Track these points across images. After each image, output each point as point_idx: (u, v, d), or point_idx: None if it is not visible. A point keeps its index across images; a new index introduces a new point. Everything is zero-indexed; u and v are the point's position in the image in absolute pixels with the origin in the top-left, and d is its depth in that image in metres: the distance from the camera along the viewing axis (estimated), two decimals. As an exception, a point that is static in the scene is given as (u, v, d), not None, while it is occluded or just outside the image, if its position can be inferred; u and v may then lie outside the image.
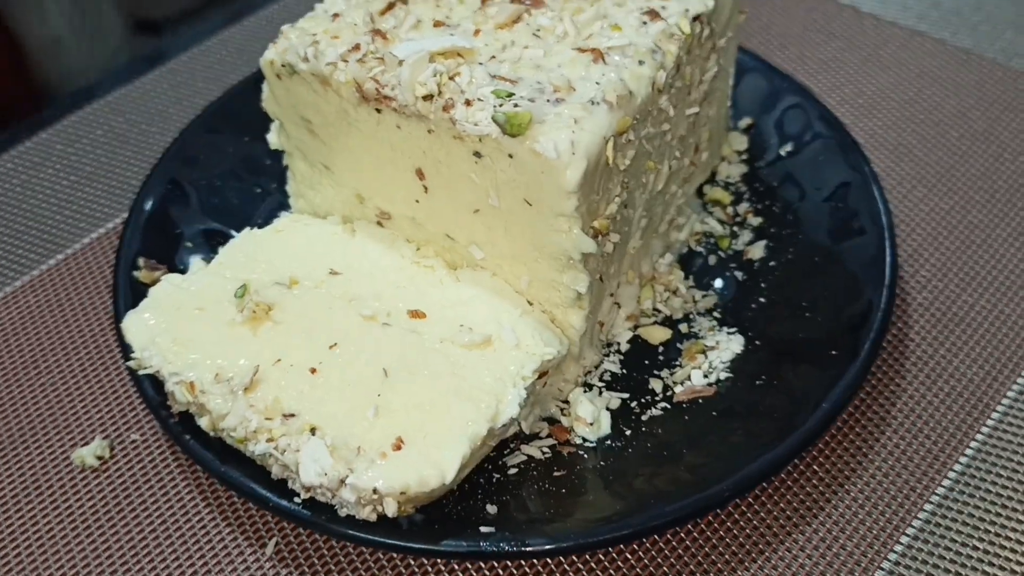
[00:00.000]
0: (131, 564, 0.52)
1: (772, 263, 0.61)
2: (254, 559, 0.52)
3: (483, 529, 0.49)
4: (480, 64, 0.51)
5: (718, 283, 0.61)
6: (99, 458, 0.56)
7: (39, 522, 0.54)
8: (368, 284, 0.55)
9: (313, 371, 0.50)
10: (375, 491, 0.46)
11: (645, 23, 0.53)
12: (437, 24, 0.54)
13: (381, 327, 0.53)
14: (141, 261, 0.60)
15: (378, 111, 0.52)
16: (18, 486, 0.56)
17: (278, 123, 0.59)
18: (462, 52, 0.52)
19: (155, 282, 0.57)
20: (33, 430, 0.58)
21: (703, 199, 0.66)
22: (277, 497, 0.49)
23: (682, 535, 0.52)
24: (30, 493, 0.55)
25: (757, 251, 0.62)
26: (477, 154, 0.50)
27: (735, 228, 0.64)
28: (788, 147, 0.66)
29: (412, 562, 0.52)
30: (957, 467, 0.54)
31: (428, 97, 0.50)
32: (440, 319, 0.53)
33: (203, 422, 0.50)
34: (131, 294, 0.58)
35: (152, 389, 0.53)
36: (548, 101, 0.49)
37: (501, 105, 0.48)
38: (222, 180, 0.66)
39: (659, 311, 0.60)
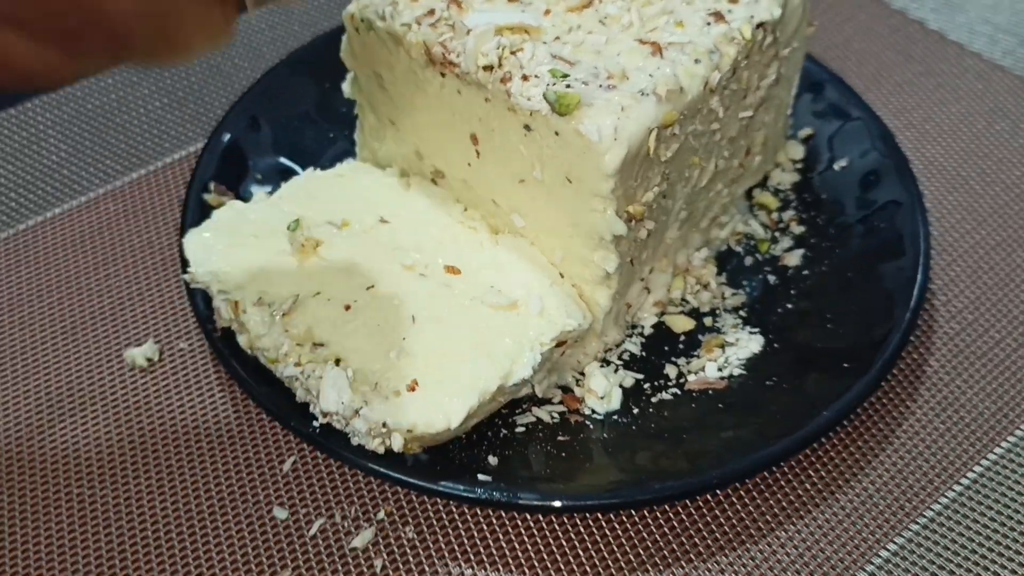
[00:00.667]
0: (162, 458, 0.57)
1: (806, 272, 0.63)
2: (271, 473, 0.56)
3: (481, 477, 0.52)
4: (544, 43, 0.54)
5: (749, 283, 0.63)
6: (148, 360, 0.61)
7: (87, 411, 0.59)
8: (413, 236, 0.58)
9: (347, 308, 0.54)
10: (384, 425, 0.50)
11: (709, 24, 0.55)
12: (511, 0, 0.57)
13: (417, 277, 0.56)
14: (212, 185, 0.64)
15: (442, 75, 0.55)
16: (72, 375, 0.61)
17: (353, 74, 0.62)
18: (529, 29, 0.55)
19: (221, 206, 0.62)
20: (95, 325, 0.63)
21: (751, 202, 0.68)
22: (298, 419, 0.53)
23: (670, 514, 0.55)
24: (83, 383, 0.60)
25: (793, 258, 0.64)
26: (527, 127, 0.53)
27: (776, 234, 0.66)
28: (843, 162, 0.67)
29: (415, 499, 0.55)
30: (951, 493, 0.56)
31: (488, 68, 0.53)
32: (473, 278, 0.56)
33: (241, 340, 0.54)
34: (198, 214, 0.62)
35: (202, 303, 0.58)
36: (601, 86, 0.52)
37: (554, 84, 0.51)
38: (298, 121, 0.70)
39: (687, 302, 0.63)
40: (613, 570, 0.53)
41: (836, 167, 0.68)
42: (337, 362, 0.52)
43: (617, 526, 0.54)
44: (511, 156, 0.55)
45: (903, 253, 0.61)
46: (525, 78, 0.52)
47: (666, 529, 0.54)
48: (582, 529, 0.54)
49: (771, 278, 0.63)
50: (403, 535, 0.54)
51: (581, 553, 0.54)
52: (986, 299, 0.64)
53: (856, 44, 0.82)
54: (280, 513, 0.55)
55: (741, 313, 0.62)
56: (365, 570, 0.53)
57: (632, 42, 0.54)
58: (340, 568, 0.53)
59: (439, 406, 0.51)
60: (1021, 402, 0.59)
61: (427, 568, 0.53)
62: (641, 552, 0.54)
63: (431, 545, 0.54)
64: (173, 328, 0.63)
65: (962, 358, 0.61)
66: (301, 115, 0.70)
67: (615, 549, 0.54)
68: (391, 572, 0.53)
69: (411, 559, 0.53)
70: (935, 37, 0.82)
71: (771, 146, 0.67)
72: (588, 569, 0.53)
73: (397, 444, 0.50)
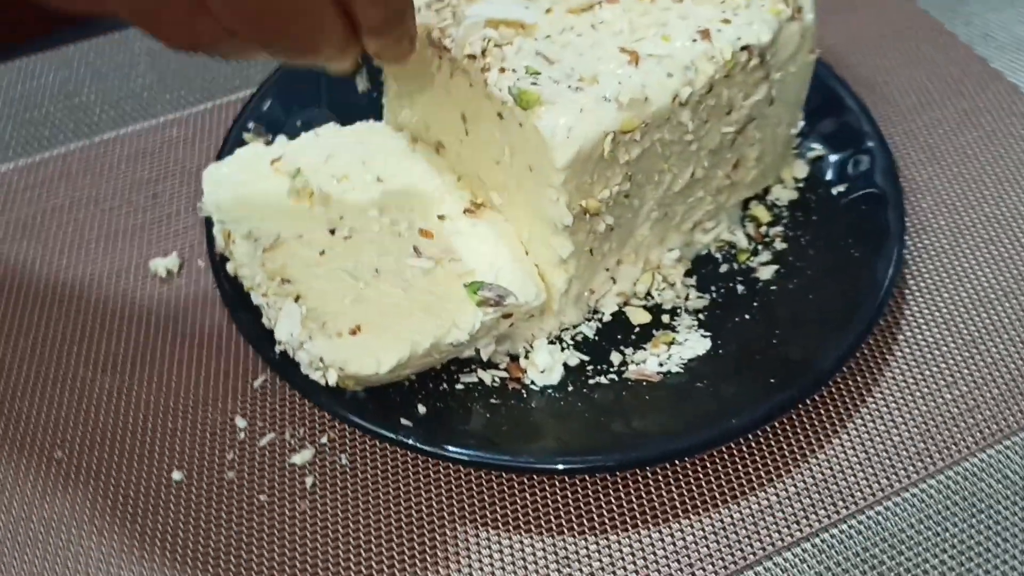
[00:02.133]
0: (158, 355, 0.65)
1: (774, 287, 0.65)
2: (243, 386, 0.64)
3: (403, 421, 0.58)
4: (535, 40, 0.58)
5: (718, 290, 0.66)
6: (168, 271, 0.70)
7: (108, 302, 0.68)
8: (401, 197, 0.64)
9: (322, 253, 0.60)
10: (321, 360, 0.56)
11: (695, 40, 0.58)
12: (519, -6, 0.61)
13: (394, 235, 0.62)
14: (252, 125, 0.72)
15: (439, 57, 0.60)
16: (105, 271, 0.70)
17: (381, 42, 0.68)
18: (524, 25, 0.59)
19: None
20: (135, 232, 0.72)
21: (745, 212, 0.70)
22: (264, 343, 0.60)
23: (559, 486, 0.59)
24: (111, 281, 0.69)
25: (766, 272, 0.66)
26: (500, 115, 0.58)
27: (760, 247, 0.68)
28: (841, 187, 0.69)
29: (349, 431, 0.61)
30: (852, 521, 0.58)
31: (472, 56, 0.57)
32: (443, 242, 0.62)
33: (229, 266, 0.62)
34: (235, 150, 0.70)
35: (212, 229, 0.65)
36: (570, 87, 0.56)
37: (521, 80, 0.56)
38: (350, 79, 0.76)
39: (651, 296, 0.66)
40: (500, 524, 0.58)
41: (834, 191, 0.69)
42: (297, 299, 0.58)
43: (516, 485, 0.59)
44: (489, 139, 0.60)
45: (873, 287, 0.62)
46: (503, 70, 0.56)
47: (554, 497, 0.59)
48: (484, 482, 0.60)
49: (740, 287, 0.66)
50: (337, 461, 0.61)
51: (478, 503, 0.59)
52: (959, 336, 0.65)
53: (904, 72, 0.82)
54: (240, 422, 0.63)
55: (700, 316, 0.65)
56: (298, 483, 0.60)
57: (614, 48, 0.58)
58: (276, 477, 0.60)
59: (373, 352, 0.56)
60: (951, 445, 0.61)
61: (350, 492, 0.60)
62: (525, 513, 0.58)
63: (359, 474, 0.60)
64: (195, 247, 0.71)
65: (915, 377, 0.63)
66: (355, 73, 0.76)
67: (508, 506, 0.59)
68: (319, 489, 0.60)
69: (339, 482, 0.60)
70: (993, 75, 0.81)
71: (770, 162, 0.69)
72: (479, 518, 0.58)
73: (332, 379, 0.56)
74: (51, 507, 0.59)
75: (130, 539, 0.58)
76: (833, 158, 0.71)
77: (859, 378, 0.63)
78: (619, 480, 0.60)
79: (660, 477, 0.60)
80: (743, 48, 0.58)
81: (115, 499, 0.60)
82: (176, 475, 0.60)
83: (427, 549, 0.58)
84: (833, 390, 0.63)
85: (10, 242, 0.72)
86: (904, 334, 0.65)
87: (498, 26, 0.59)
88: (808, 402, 0.62)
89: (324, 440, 0.62)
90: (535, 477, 0.60)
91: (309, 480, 0.60)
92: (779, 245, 0.68)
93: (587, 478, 0.60)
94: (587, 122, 0.55)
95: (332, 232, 0.61)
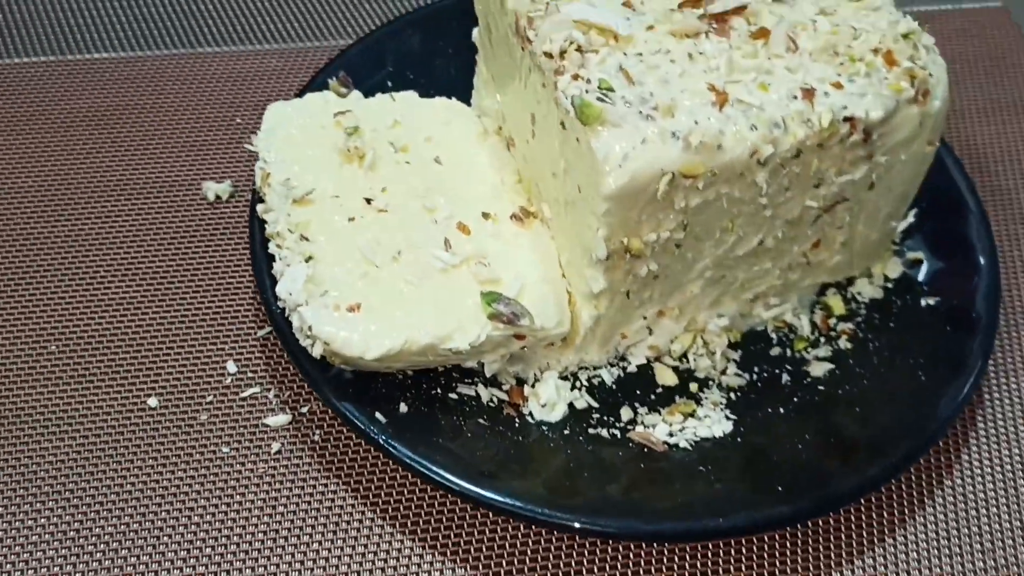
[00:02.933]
0: (175, 277, 0.64)
1: (821, 387, 0.59)
2: (248, 334, 0.62)
3: (377, 415, 0.54)
4: (625, 54, 0.54)
5: (760, 372, 0.60)
6: (217, 197, 0.68)
7: (146, 215, 0.67)
8: (452, 184, 0.60)
9: (351, 219, 0.58)
10: (310, 328, 0.53)
11: (795, 97, 0.52)
12: (626, 4, 0.56)
13: (430, 221, 0.58)
14: (340, 74, 0.69)
15: (522, 48, 0.56)
16: (157, 185, 0.69)
17: (483, 23, 0.64)
18: (618, 36, 0.54)
19: (339, 94, 0.67)
20: (192, 150, 0.71)
21: (818, 298, 0.64)
22: (269, 290, 0.58)
23: (500, 525, 0.56)
24: (159, 194, 0.68)
25: (819, 369, 0.60)
26: (563, 124, 0.53)
27: (822, 339, 0.61)
28: (931, 301, 0.61)
29: (340, 424, 0.57)
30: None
31: (549, 55, 0.53)
32: (478, 242, 0.58)
33: (260, 206, 0.60)
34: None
35: (261, 165, 0.64)
36: (641, 112, 0.51)
37: (592, 92, 0.51)
38: (454, 50, 0.73)
39: (686, 359, 0.61)
40: (442, 548, 0.55)
41: (923, 302, 0.62)
42: (308, 259, 0.55)
43: (474, 517, 0.56)
44: (550, 147, 0.56)
45: (923, 425, 0.55)
46: (576, 77, 0.52)
47: (488, 532, 0.55)
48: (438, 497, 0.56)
49: (785, 377, 0.60)
50: (310, 435, 0.58)
51: (432, 520, 0.55)
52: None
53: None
54: (231, 367, 0.60)
55: (731, 395, 0.59)
56: (264, 446, 0.58)
57: (703, 84, 0.52)
58: (246, 434, 0.58)
59: (364, 335, 0.53)
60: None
61: (310, 470, 0.57)
62: (466, 542, 0.55)
63: (325, 454, 0.57)
64: (248, 178, 0.69)
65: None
66: (459, 45, 0.73)
67: (464, 533, 0.55)
68: (281, 457, 0.57)
69: (303, 457, 0.57)
70: None
71: (860, 250, 0.62)
72: (425, 536, 0.55)
73: (318, 351, 0.53)
74: (30, 396, 0.59)
75: (90, 445, 0.57)
76: (933, 265, 0.63)
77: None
78: (576, 543, 0.55)
79: (620, 551, 0.55)
80: (846, 119, 0.52)
81: (90, 404, 0.59)
82: (152, 401, 0.59)
83: (356, 549, 0.55)
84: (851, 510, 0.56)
85: (84, 127, 0.72)
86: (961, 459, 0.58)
87: (589, 30, 0.54)
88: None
89: (304, 410, 0.59)
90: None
91: (275, 446, 0.57)
92: (843, 344, 0.61)
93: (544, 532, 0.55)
94: (646, 154, 0.50)
95: (368, 201, 0.58)
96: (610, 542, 0.55)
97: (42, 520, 0.55)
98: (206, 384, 0.60)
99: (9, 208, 0.67)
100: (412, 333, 0.54)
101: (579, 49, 0.53)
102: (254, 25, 0.80)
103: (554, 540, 0.55)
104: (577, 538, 0.55)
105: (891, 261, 0.64)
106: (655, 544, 0.55)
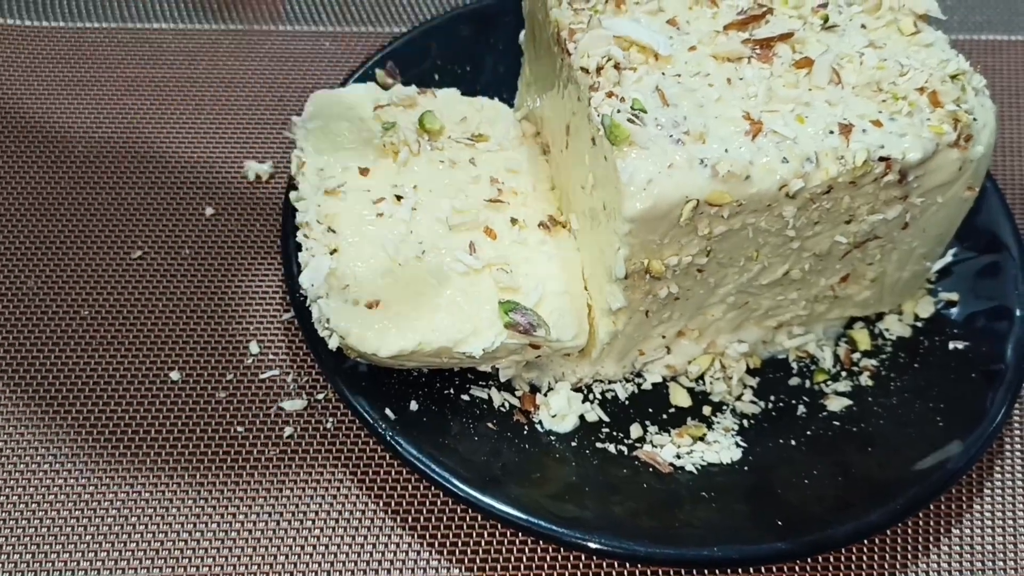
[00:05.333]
0: (210, 253, 0.65)
1: (836, 423, 0.58)
2: (272, 316, 0.63)
3: (387, 412, 0.55)
4: (663, 74, 0.53)
5: (776, 401, 0.59)
6: (258, 177, 0.69)
7: (184, 189, 0.69)
8: (483, 187, 0.60)
9: (379, 215, 0.58)
10: (328, 321, 0.54)
11: (831, 132, 0.51)
12: (671, 22, 0.56)
13: (458, 222, 0.58)
14: (389, 64, 0.70)
15: (562, 60, 0.56)
16: (201, 157, 0.70)
17: (529, 26, 0.64)
18: (658, 55, 0.54)
19: (384, 85, 0.67)
20: (238, 128, 0.72)
21: (845, 330, 0.63)
22: (295, 278, 0.59)
23: (495, 534, 0.56)
24: (200, 170, 0.70)
25: (836, 404, 0.59)
26: (593, 140, 0.53)
27: (843, 373, 0.61)
28: (959, 345, 0.60)
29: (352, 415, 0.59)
30: None
31: (585, 70, 0.53)
32: (503, 248, 0.58)
33: (292, 195, 0.60)
34: (361, 82, 0.68)
35: (300, 152, 0.64)
36: (671, 136, 0.50)
37: (624, 112, 0.50)
38: (504, 47, 0.73)
39: (702, 381, 0.60)
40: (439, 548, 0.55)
41: (951, 346, 0.60)
42: (333, 252, 0.56)
43: (474, 520, 0.56)
44: (581, 161, 0.55)
45: (933, 474, 0.54)
46: (610, 94, 0.52)
47: (484, 537, 0.56)
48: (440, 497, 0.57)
49: (801, 408, 0.59)
50: (322, 423, 0.59)
51: (433, 519, 0.56)
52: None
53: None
54: (254, 347, 0.62)
55: (744, 422, 0.59)
56: (278, 429, 0.59)
57: (739, 112, 0.51)
58: (261, 415, 0.59)
59: (380, 332, 0.54)
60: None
61: (320, 457, 0.58)
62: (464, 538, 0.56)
63: (336, 443, 0.58)
64: (289, 161, 0.70)
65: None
66: (508, 42, 0.73)
67: (463, 535, 0.56)
68: (293, 443, 0.58)
69: (314, 443, 0.58)
70: None
71: (890, 288, 0.61)
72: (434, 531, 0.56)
73: (334, 343, 0.54)
74: (59, 358, 0.61)
75: (111, 412, 0.59)
76: (967, 309, 0.62)
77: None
78: (571, 556, 0.55)
79: (615, 568, 0.55)
80: (881, 159, 0.51)
81: (115, 371, 0.60)
82: (174, 374, 0.60)
83: (356, 540, 0.55)
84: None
85: (136, 96, 0.73)
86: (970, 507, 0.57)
87: (630, 47, 0.54)
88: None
89: (320, 397, 0.60)
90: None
91: (288, 430, 0.59)
92: (864, 380, 0.60)
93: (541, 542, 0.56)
94: (671, 181, 0.49)
95: (398, 198, 0.59)
96: (605, 559, 0.55)
97: (59, 480, 0.56)
98: (227, 362, 0.61)
99: (57, 172, 0.69)
100: (427, 335, 0.54)
101: (616, 66, 0.52)
102: (311, 5, 0.80)
103: (551, 551, 0.56)
104: (573, 552, 0.55)
105: (923, 300, 0.63)
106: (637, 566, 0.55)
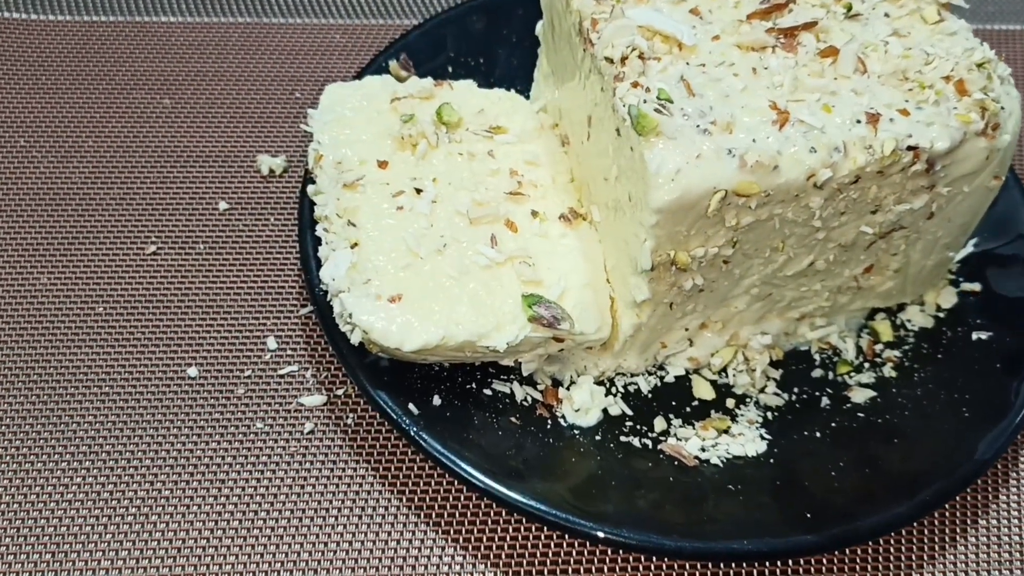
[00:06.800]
0: (227, 246, 0.65)
1: (860, 415, 0.58)
2: (290, 311, 0.63)
3: (411, 406, 0.55)
4: (687, 64, 0.53)
5: (800, 393, 0.59)
6: (271, 171, 0.69)
7: (196, 182, 0.68)
8: (502, 180, 0.60)
9: (399, 208, 0.57)
10: (351, 316, 0.54)
11: (859, 122, 0.51)
12: (693, 11, 0.55)
13: (479, 215, 0.58)
14: (402, 57, 0.69)
15: (584, 49, 0.55)
16: (213, 151, 0.70)
17: (547, 17, 0.64)
18: (682, 45, 0.53)
19: (399, 77, 0.67)
20: (250, 121, 0.71)
21: (867, 322, 0.62)
22: (314, 272, 0.58)
23: (514, 524, 0.56)
24: (213, 163, 0.69)
25: (860, 396, 0.59)
26: (618, 131, 0.52)
27: (866, 364, 0.60)
28: (983, 335, 0.60)
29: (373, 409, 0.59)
30: None
31: (610, 60, 0.52)
32: (524, 241, 0.57)
33: (310, 188, 0.60)
34: (376, 75, 0.67)
35: (316, 145, 0.64)
36: (698, 126, 0.50)
37: (650, 102, 0.50)
38: (518, 40, 0.72)
39: (725, 374, 0.60)
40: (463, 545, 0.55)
41: (974, 336, 0.60)
42: (354, 246, 0.56)
43: (498, 515, 0.56)
44: (604, 152, 0.55)
45: (959, 465, 0.54)
46: (635, 84, 0.51)
47: (503, 527, 0.55)
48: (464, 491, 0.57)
49: (824, 400, 0.59)
50: (343, 418, 0.59)
51: (457, 514, 0.56)
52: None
53: None
54: (272, 343, 0.61)
55: (768, 415, 0.58)
56: (297, 425, 0.58)
57: (766, 102, 0.51)
58: (280, 411, 0.58)
59: (403, 327, 0.53)
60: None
61: (341, 453, 0.57)
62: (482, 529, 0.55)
63: (357, 439, 0.58)
64: (303, 154, 0.70)
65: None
66: (522, 34, 0.72)
67: (488, 530, 0.56)
68: (314, 438, 0.58)
69: (334, 439, 0.58)
70: None
71: (913, 279, 0.60)
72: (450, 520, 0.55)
73: (356, 338, 0.54)
74: (75, 355, 0.60)
75: (129, 409, 0.58)
76: (989, 299, 0.62)
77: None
78: (597, 550, 0.55)
79: (642, 561, 0.55)
80: (909, 148, 0.51)
81: (132, 368, 0.60)
82: (192, 371, 0.60)
83: (379, 536, 0.55)
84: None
85: (146, 90, 0.72)
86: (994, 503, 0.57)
87: (653, 36, 0.53)
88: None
89: (340, 393, 0.59)
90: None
91: (308, 426, 0.58)
92: (888, 372, 0.60)
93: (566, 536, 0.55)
94: (699, 171, 0.49)
95: (418, 191, 0.58)
96: (631, 553, 0.55)
97: (77, 479, 0.56)
98: (245, 358, 0.60)
99: (68, 167, 0.68)
100: (450, 328, 0.54)
101: (641, 56, 0.52)
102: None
103: (576, 545, 0.55)
104: (599, 546, 0.55)
105: (945, 290, 0.63)
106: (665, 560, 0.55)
